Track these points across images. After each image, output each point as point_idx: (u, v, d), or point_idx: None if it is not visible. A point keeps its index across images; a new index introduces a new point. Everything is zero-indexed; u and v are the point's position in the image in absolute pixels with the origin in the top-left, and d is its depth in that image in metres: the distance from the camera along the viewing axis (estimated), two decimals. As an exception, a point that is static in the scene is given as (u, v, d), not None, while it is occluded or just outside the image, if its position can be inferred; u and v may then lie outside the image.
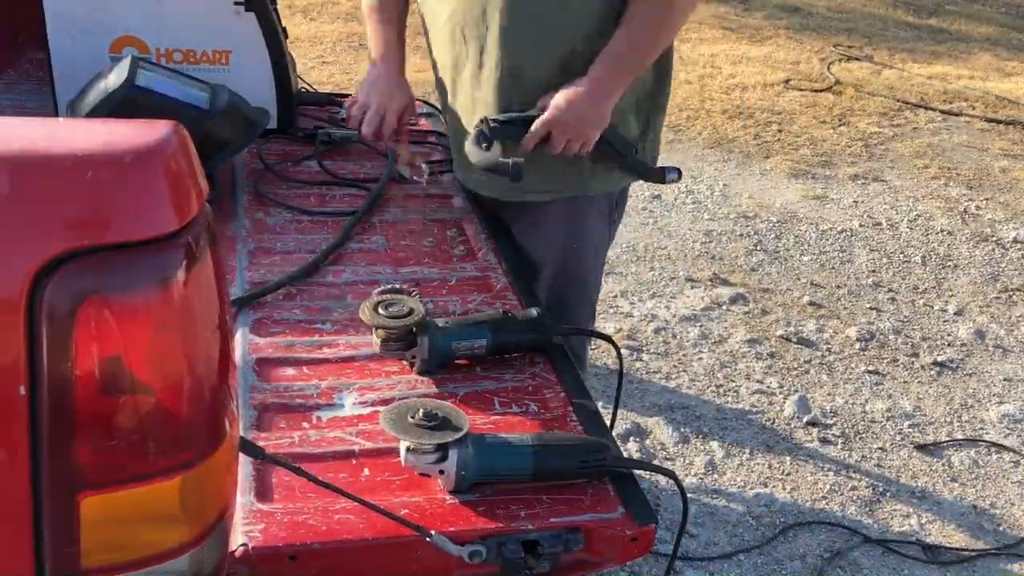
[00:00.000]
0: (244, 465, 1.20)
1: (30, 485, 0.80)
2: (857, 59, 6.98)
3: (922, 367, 3.34)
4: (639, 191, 4.34)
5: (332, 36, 6.32)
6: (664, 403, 3.01)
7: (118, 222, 0.77)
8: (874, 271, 3.99)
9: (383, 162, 2.11)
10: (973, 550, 2.56)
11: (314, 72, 5.50)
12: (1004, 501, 2.75)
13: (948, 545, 2.57)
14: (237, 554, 1.09)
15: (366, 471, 1.24)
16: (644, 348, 3.28)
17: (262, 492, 1.18)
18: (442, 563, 1.15)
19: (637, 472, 1.32)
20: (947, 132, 5.73)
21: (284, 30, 2.15)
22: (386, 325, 1.40)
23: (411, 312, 1.41)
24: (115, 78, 1.79)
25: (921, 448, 2.93)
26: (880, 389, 3.20)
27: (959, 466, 2.88)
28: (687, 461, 2.78)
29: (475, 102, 1.85)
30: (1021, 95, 6.51)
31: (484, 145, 1.72)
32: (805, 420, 2.98)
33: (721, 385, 3.13)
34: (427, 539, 1.12)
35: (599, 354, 3.10)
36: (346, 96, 2.48)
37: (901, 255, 4.15)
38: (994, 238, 4.41)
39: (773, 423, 2.97)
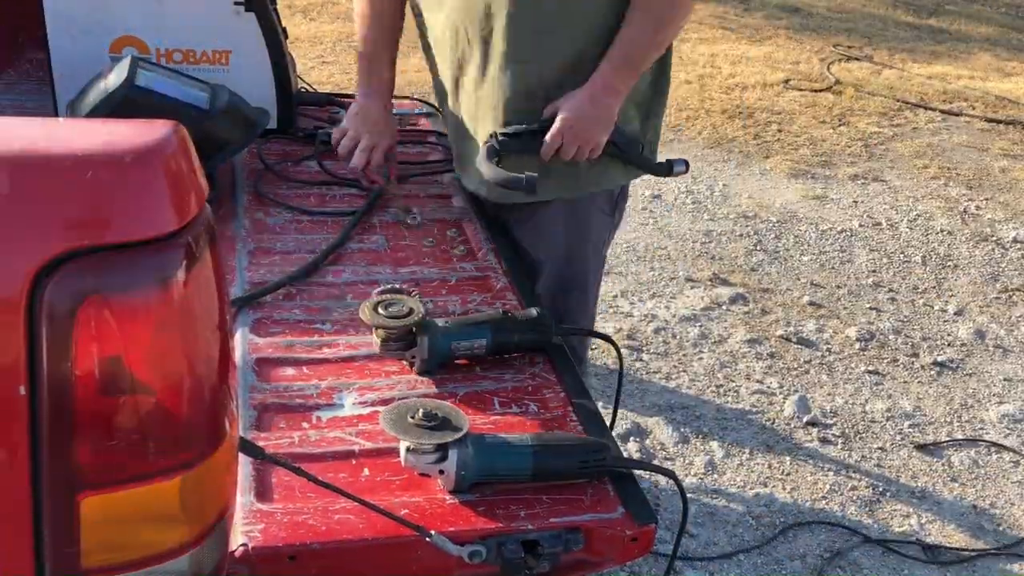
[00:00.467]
0: (244, 465, 1.19)
1: (30, 485, 0.80)
2: (857, 59, 6.98)
3: (922, 367, 3.34)
4: (639, 191, 4.34)
5: (332, 36, 6.32)
6: (664, 403, 3.01)
7: (118, 222, 0.77)
8: (874, 271, 3.99)
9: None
10: (973, 550, 2.56)
11: (314, 72, 5.50)
12: (1004, 501, 2.75)
13: (948, 545, 2.57)
14: (237, 554, 1.09)
15: (366, 471, 1.24)
16: (644, 348, 3.28)
17: (262, 492, 1.18)
18: (442, 563, 1.15)
19: (637, 472, 1.32)
20: (947, 132, 5.73)
21: (284, 30, 2.15)
22: (386, 325, 1.40)
23: (411, 312, 1.41)
24: (115, 78, 1.79)
25: (921, 448, 2.93)
26: (880, 389, 3.20)
27: (959, 466, 2.88)
28: (687, 461, 2.78)
29: (479, 101, 1.85)
30: (1021, 95, 6.51)
31: (495, 160, 1.73)
32: (805, 420, 2.98)
33: (721, 385, 3.13)
34: (427, 539, 1.12)
35: (599, 354, 3.10)
36: (346, 96, 2.48)
37: (901, 255, 4.15)
38: (994, 238, 4.41)
39: (773, 423, 2.97)
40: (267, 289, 1.58)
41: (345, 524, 1.14)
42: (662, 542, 2.44)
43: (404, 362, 1.44)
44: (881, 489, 2.74)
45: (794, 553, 2.50)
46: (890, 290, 3.85)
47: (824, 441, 2.91)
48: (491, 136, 1.76)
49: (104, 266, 0.77)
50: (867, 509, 2.66)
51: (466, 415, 1.23)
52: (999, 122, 5.95)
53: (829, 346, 3.41)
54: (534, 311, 1.51)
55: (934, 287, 3.91)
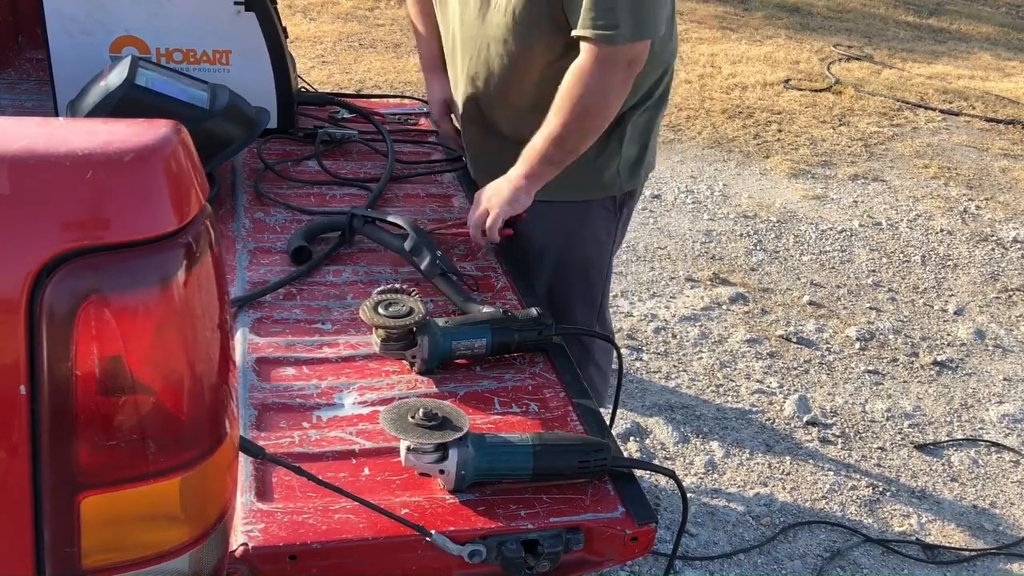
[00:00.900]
0: (244, 465, 1.20)
1: (30, 485, 0.80)
2: (857, 59, 6.98)
3: (922, 367, 3.34)
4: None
5: (332, 36, 6.31)
6: (664, 403, 3.01)
7: (118, 222, 0.77)
8: (874, 271, 3.99)
9: (383, 162, 2.11)
10: (973, 550, 2.56)
11: (314, 72, 5.50)
12: (1004, 501, 2.75)
13: (948, 545, 2.57)
14: (237, 553, 1.09)
15: (366, 471, 1.24)
16: (644, 348, 3.28)
17: (262, 492, 1.18)
18: (442, 563, 1.15)
19: (637, 472, 1.32)
20: (947, 132, 5.73)
21: (284, 30, 2.15)
22: (386, 324, 1.40)
23: (411, 312, 1.41)
24: (115, 78, 1.79)
25: (921, 448, 2.93)
26: (880, 389, 3.20)
27: (959, 466, 2.88)
28: (687, 461, 2.78)
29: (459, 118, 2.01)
30: (1021, 95, 6.51)
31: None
32: (805, 420, 2.98)
33: (721, 385, 3.13)
34: (427, 539, 1.12)
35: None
36: (347, 96, 2.48)
37: (901, 255, 4.15)
38: (994, 238, 4.41)
39: (773, 423, 2.97)
40: (267, 289, 1.58)
41: (345, 524, 1.14)
42: (662, 542, 2.44)
43: (404, 362, 1.44)
44: (881, 489, 2.74)
45: (794, 553, 2.50)
46: (890, 290, 3.85)
47: (824, 441, 2.91)
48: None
49: (104, 266, 0.77)
50: (867, 509, 2.66)
51: (466, 415, 1.23)
52: (999, 122, 5.95)
53: (829, 346, 3.41)
54: (534, 311, 1.51)
55: (934, 287, 3.91)
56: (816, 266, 3.98)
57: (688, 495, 1.34)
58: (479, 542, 1.15)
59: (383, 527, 1.14)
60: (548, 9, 1.71)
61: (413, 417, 1.20)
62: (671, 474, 1.31)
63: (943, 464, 2.88)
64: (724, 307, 3.59)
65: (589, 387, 1.48)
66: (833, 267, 3.99)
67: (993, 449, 2.96)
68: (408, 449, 1.20)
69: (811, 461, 2.83)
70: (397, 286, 1.54)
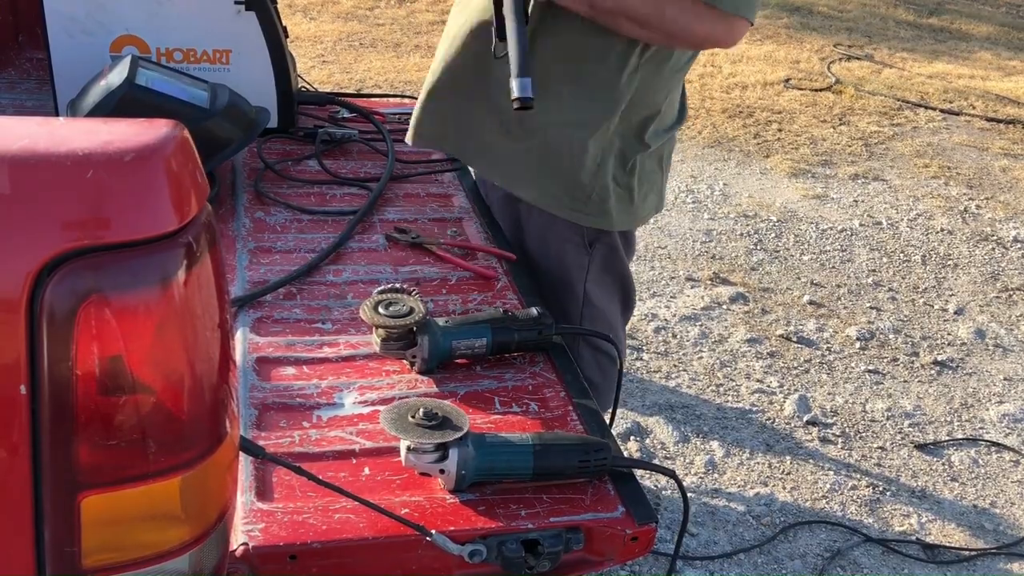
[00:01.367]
0: (244, 464, 1.20)
1: (31, 485, 0.80)
2: (857, 58, 6.98)
3: (922, 366, 3.34)
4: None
5: (332, 35, 6.31)
6: (664, 402, 3.01)
7: (118, 221, 0.77)
8: (874, 270, 3.99)
9: (383, 161, 2.11)
10: (973, 549, 2.56)
11: (314, 71, 5.50)
12: (1004, 500, 2.75)
13: (948, 544, 2.57)
14: (238, 553, 1.09)
15: (366, 470, 1.24)
16: (644, 347, 3.28)
17: (262, 491, 1.18)
18: (442, 562, 1.15)
19: (637, 472, 1.32)
20: (947, 131, 5.73)
21: (285, 29, 2.15)
22: (386, 324, 1.40)
23: (411, 311, 1.41)
24: (115, 77, 1.79)
25: (921, 447, 2.93)
26: (880, 388, 3.20)
27: (959, 465, 2.88)
28: (687, 460, 2.78)
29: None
30: (1021, 94, 6.51)
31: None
32: (805, 419, 2.98)
33: (721, 384, 3.13)
34: (427, 538, 1.12)
35: (599, 353, 3.10)
36: (347, 95, 2.48)
37: (901, 254, 4.15)
38: (994, 237, 4.41)
39: (773, 422, 2.97)
40: (267, 288, 1.58)
41: (346, 523, 1.14)
42: (662, 541, 2.44)
43: (404, 361, 1.45)
44: (881, 488, 2.74)
45: (794, 552, 2.50)
46: (890, 289, 3.85)
47: (824, 440, 2.91)
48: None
49: (104, 266, 0.77)
50: (867, 508, 2.66)
51: (467, 414, 1.23)
52: (999, 121, 5.95)
53: (829, 345, 3.41)
54: (534, 310, 1.51)
55: (934, 286, 3.91)
56: (816, 266, 3.98)
57: (688, 495, 1.34)
58: (479, 542, 1.15)
59: (383, 527, 1.14)
60: None
61: (413, 417, 1.20)
62: (671, 474, 1.31)
63: (943, 464, 2.88)
64: (724, 307, 3.59)
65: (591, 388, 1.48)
66: (833, 267, 3.99)
67: (993, 449, 2.96)
68: (408, 449, 1.20)
69: (811, 461, 2.83)
70: (397, 286, 1.54)
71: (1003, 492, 2.79)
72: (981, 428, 3.05)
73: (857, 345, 3.42)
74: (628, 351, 3.22)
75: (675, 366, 3.20)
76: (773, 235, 4.22)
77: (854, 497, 2.70)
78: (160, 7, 2.03)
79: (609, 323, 1.97)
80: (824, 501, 2.68)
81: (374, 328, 1.44)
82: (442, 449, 1.19)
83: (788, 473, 2.77)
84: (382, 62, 5.90)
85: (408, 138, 1.95)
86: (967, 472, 2.85)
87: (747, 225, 4.29)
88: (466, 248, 1.81)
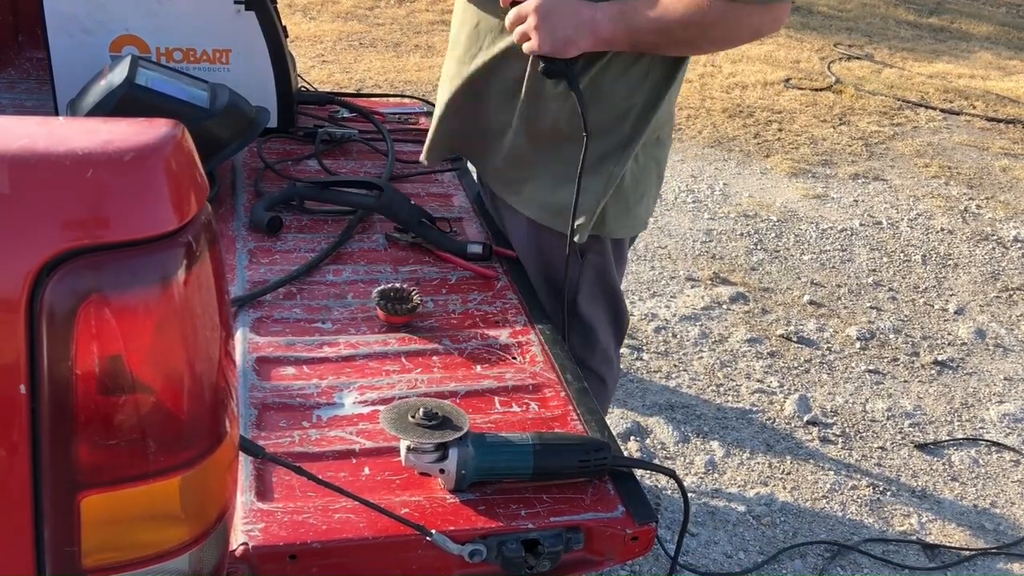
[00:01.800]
0: (244, 464, 1.20)
1: (30, 485, 0.80)
2: (858, 58, 6.98)
3: (922, 366, 3.34)
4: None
5: (332, 35, 6.32)
6: (664, 402, 3.01)
7: (118, 221, 0.77)
8: (874, 270, 3.99)
9: (383, 161, 2.11)
10: (973, 549, 2.56)
11: (314, 71, 5.50)
12: (1004, 500, 2.75)
13: (948, 544, 2.57)
14: (238, 553, 1.09)
15: (366, 470, 1.24)
16: (644, 347, 3.28)
17: (262, 491, 1.18)
18: (442, 562, 1.15)
19: (637, 471, 1.32)
20: (947, 131, 5.73)
21: (284, 29, 2.15)
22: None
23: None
24: (115, 77, 1.79)
25: (921, 447, 2.93)
26: (880, 388, 3.20)
27: (959, 465, 2.88)
28: (687, 460, 2.78)
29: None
30: (1022, 94, 6.51)
31: None
32: (805, 419, 2.98)
33: (721, 384, 3.13)
34: (427, 538, 1.12)
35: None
36: (347, 95, 2.48)
37: (901, 254, 4.15)
38: (994, 237, 4.41)
39: (773, 422, 2.97)
40: (267, 288, 1.58)
41: (346, 523, 1.14)
42: (662, 541, 2.44)
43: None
44: (881, 488, 2.74)
45: (794, 552, 2.50)
46: (890, 289, 3.85)
47: (824, 440, 2.91)
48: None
49: (104, 265, 0.77)
50: (867, 508, 2.66)
51: (466, 414, 1.23)
52: (1000, 121, 5.95)
53: (829, 345, 3.41)
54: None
55: (934, 286, 3.91)
56: (816, 265, 3.98)
57: (689, 495, 1.34)
58: (479, 541, 1.15)
59: (383, 527, 1.14)
60: None
61: (413, 416, 1.20)
62: (671, 474, 1.31)
63: (943, 464, 2.88)
64: (724, 306, 3.59)
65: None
66: (833, 266, 3.99)
67: (994, 449, 2.96)
68: (408, 449, 1.20)
69: (811, 461, 2.83)
70: (397, 285, 1.54)
71: (1003, 492, 2.79)
72: (981, 428, 3.05)
73: (857, 345, 3.42)
74: (628, 351, 3.22)
75: (675, 366, 3.20)
76: (773, 235, 4.22)
77: (854, 497, 2.70)
78: (160, 7, 2.03)
79: (598, 342, 1.92)
80: (824, 501, 2.67)
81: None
82: (442, 449, 1.19)
83: (788, 473, 2.77)
84: (382, 62, 5.90)
85: (423, 157, 1.94)
86: (967, 472, 2.85)
87: (747, 225, 4.29)
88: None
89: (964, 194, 4.85)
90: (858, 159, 5.16)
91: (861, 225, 4.39)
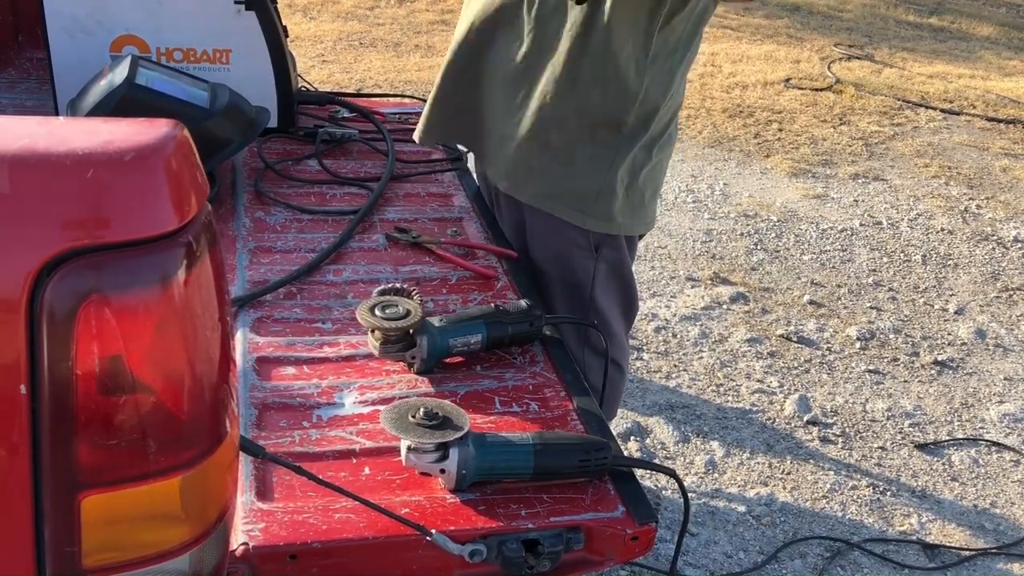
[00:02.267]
0: (245, 464, 1.20)
1: (31, 485, 0.80)
2: (858, 58, 6.98)
3: (922, 366, 3.34)
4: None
5: (332, 35, 6.31)
6: (664, 402, 3.01)
7: (118, 221, 0.77)
8: (874, 270, 3.99)
9: (383, 161, 2.11)
10: (973, 549, 2.56)
11: (314, 71, 5.50)
12: (1004, 500, 2.75)
13: (948, 544, 2.57)
14: (238, 553, 1.09)
15: (367, 470, 1.24)
16: (644, 347, 3.28)
17: (262, 491, 1.18)
18: (443, 562, 1.15)
19: (638, 471, 1.32)
20: (948, 131, 5.73)
21: (285, 29, 2.15)
22: (384, 327, 1.40)
23: (408, 313, 1.41)
24: (115, 77, 1.79)
25: (921, 447, 2.93)
26: (880, 388, 3.20)
27: (959, 465, 2.88)
28: (687, 460, 2.78)
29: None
30: (1022, 94, 6.51)
31: None
32: (805, 419, 2.98)
33: (721, 384, 3.13)
34: (427, 538, 1.12)
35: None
36: (347, 95, 2.48)
37: (901, 254, 4.15)
38: (995, 237, 4.41)
39: (773, 422, 2.97)
40: (267, 288, 1.58)
41: (346, 523, 1.14)
42: (662, 541, 2.44)
43: (403, 363, 1.45)
44: (881, 488, 2.74)
45: (795, 552, 2.50)
46: (890, 289, 3.85)
47: (824, 440, 2.91)
48: None
49: (104, 265, 0.77)
50: (867, 508, 2.66)
51: (467, 414, 1.23)
52: (1000, 121, 5.95)
53: (829, 345, 3.41)
54: (523, 302, 1.52)
55: (934, 286, 3.91)
56: (817, 265, 3.98)
57: (689, 494, 1.34)
58: (479, 541, 1.15)
59: (383, 526, 1.14)
60: None
61: (414, 416, 1.20)
62: (672, 473, 1.31)
63: (944, 464, 2.88)
64: (724, 306, 3.59)
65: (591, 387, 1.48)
66: (834, 266, 3.99)
67: (994, 449, 2.96)
68: (409, 448, 1.20)
69: (811, 461, 2.83)
70: (397, 285, 1.54)
71: (1003, 492, 2.79)
72: (981, 428, 3.05)
73: (857, 345, 3.42)
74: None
75: (675, 366, 3.20)
76: (773, 235, 4.22)
77: (854, 497, 2.70)
78: (160, 7, 2.03)
79: (611, 330, 1.96)
80: (824, 501, 2.67)
81: (371, 331, 1.44)
82: (443, 449, 1.19)
83: (788, 473, 2.77)
84: (382, 62, 5.90)
85: (416, 135, 1.95)
86: (967, 472, 2.85)
87: (747, 225, 4.28)
88: (466, 247, 1.81)
89: (964, 194, 4.85)
90: (858, 159, 5.16)
91: (861, 225, 4.39)
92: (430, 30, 6.58)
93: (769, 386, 3.14)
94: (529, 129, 1.77)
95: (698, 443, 2.85)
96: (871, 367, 3.30)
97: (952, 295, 3.85)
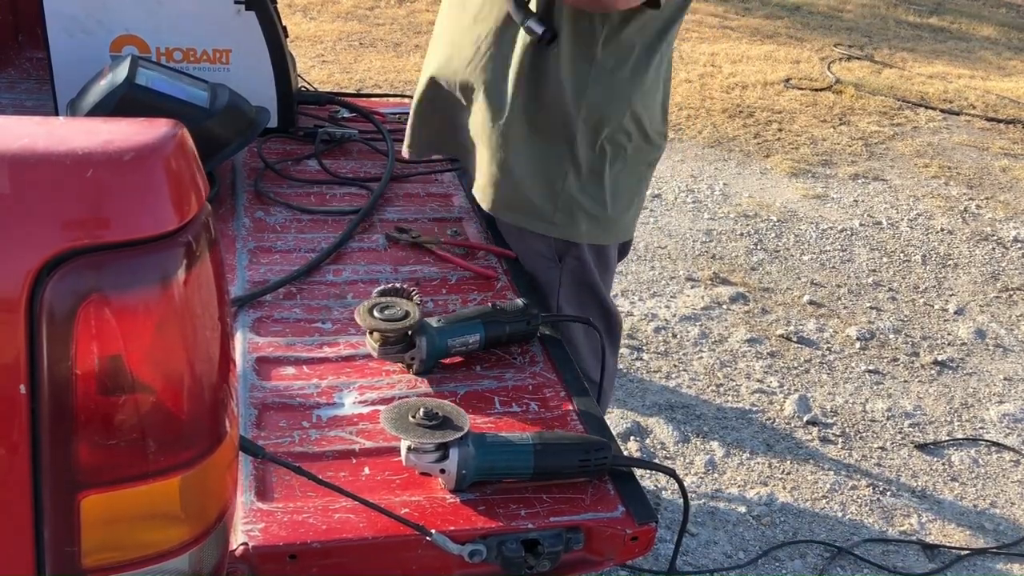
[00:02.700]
0: (244, 464, 1.20)
1: (30, 484, 0.80)
2: (857, 58, 6.98)
3: (922, 366, 3.34)
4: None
5: (332, 35, 6.31)
6: (664, 402, 3.01)
7: (118, 221, 0.77)
8: (874, 270, 3.99)
9: (383, 161, 2.11)
10: (973, 549, 2.56)
11: (314, 71, 5.50)
12: (1004, 500, 2.75)
13: (948, 544, 2.57)
14: (238, 553, 1.09)
15: (366, 470, 1.24)
16: (644, 347, 3.28)
17: (262, 491, 1.18)
18: (442, 562, 1.15)
19: (637, 471, 1.32)
20: (947, 131, 5.73)
21: (284, 29, 2.15)
22: (383, 328, 1.40)
23: (407, 315, 1.41)
24: (115, 77, 1.79)
25: (921, 447, 2.93)
26: (880, 388, 3.20)
27: (959, 465, 2.88)
28: (687, 460, 2.78)
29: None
30: (1022, 94, 6.51)
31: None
32: (805, 419, 2.98)
33: (721, 384, 3.13)
34: (427, 538, 1.12)
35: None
36: (347, 95, 2.48)
37: (901, 254, 4.15)
38: (994, 237, 4.41)
39: (773, 422, 2.97)
40: (267, 288, 1.58)
41: (346, 523, 1.14)
42: (662, 541, 2.44)
43: (402, 364, 1.45)
44: (881, 488, 2.74)
45: (794, 552, 2.50)
46: (890, 289, 3.85)
47: (824, 440, 2.91)
48: None
49: (104, 265, 0.77)
50: (867, 508, 2.66)
51: (467, 414, 1.23)
52: (1000, 121, 5.95)
53: (829, 345, 3.41)
54: (520, 301, 1.52)
55: (934, 286, 3.91)
56: (816, 265, 3.98)
57: (688, 494, 1.34)
58: (479, 541, 1.15)
59: (383, 527, 1.14)
60: None
61: (414, 416, 1.20)
62: (672, 473, 1.31)
63: (943, 464, 2.88)
64: (724, 307, 3.59)
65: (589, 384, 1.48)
66: (833, 266, 3.99)
67: (993, 449, 2.96)
68: (409, 449, 1.20)
69: (811, 461, 2.83)
70: (396, 286, 1.54)
71: (1003, 492, 2.79)
72: (981, 428, 3.05)
73: (857, 345, 3.42)
74: (628, 351, 3.22)
75: (675, 366, 3.20)
76: (773, 235, 4.22)
77: (854, 497, 2.70)
78: (160, 7, 2.03)
79: (587, 345, 1.89)
80: (824, 501, 2.67)
81: (369, 332, 1.44)
82: (443, 449, 1.19)
83: (788, 473, 2.77)
84: (382, 62, 5.91)
85: (404, 150, 1.95)
86: (967, 472, 2.85)
87: (747, 225, 4.29)
88: (466, 247, 1.81)
89: (964, 194, 4.85)
90: (858, 159, 5.16)
91: (861, 225, 4.39)
92: (430, 30, 6.56)
93: (769, 386, 3.14)
94: (490, 141, 1.77)
95: (698, 443, 2.85)
96: (871, 367, 3.30)
97: (952, 295, 3.85)
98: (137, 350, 0.80)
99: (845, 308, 3.67)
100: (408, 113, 2.41)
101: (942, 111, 6.02)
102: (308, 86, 2.47)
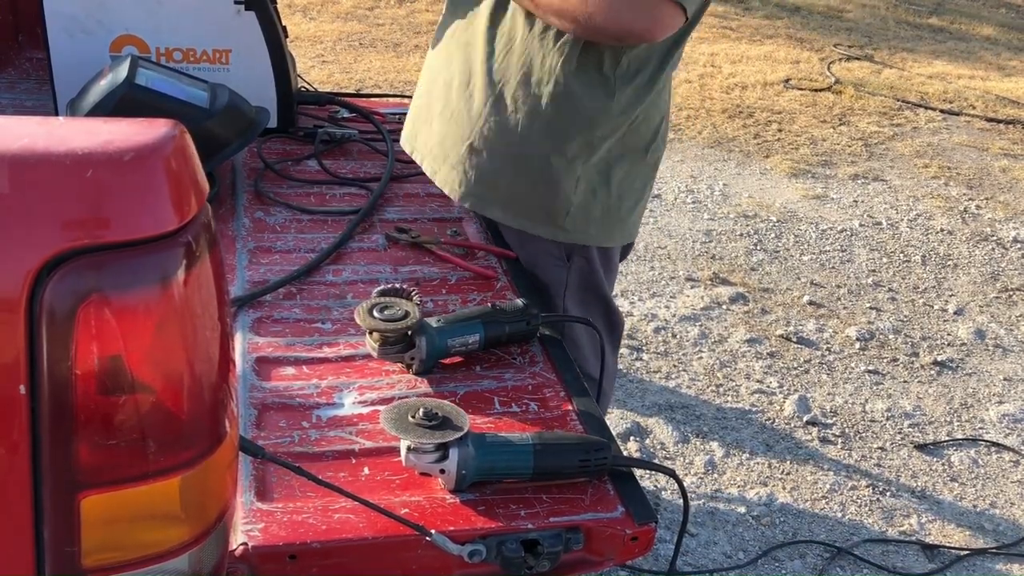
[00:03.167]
0: (244, 464, 1.20)
1: (30, 484, 0.80)
2: (857, 58, 6.98)
3: (922, 367, 3.34)
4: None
5: (332, 35, 6.31)
6: (664, 402, 3.01)
7: (118, 221, 0.77)
8: (874, 271, 3.99)
9: (383, 161, 2.11)
10: (973, 549, 2.56)
11: (314, 71, 5.50)
12: (1004, 500, 2.75)
13: (948, 544, 2.57)
14: (237, 553, 1.09)
15: (366, 470, 1.24)
16: (644, 347, 3.28)
17: (262, 491, 1.18)
18: (442, 562, 1.15)
19: (637, 472, 1.32)
20: (947, 132, 5.73)
21: (284, 29, 2.15)
22: (383, 329, 1.40)
23: (407, 315, 1.41)
24: (115, 77, 1.79)
25: (921, 448, 2.93)
26: (880, 389, 3.20)
27: (959, 466, 2.88)
28: (687, 460, 2.78)
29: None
30: (1021, 95, 6.51)
31: None
32: (805, 420, 2.98)
33: (721, 385, 3.13)
34: (427, 538, 1.12)
35: (599, 353, 3.10)
36: (347, 95, 2.48)
37: (901, 254, 4.15)
38: (994, 238, 4.41)
39: (773, 423, 2.97)
40: (267, 288, 1.58)
41: (345, 523, 1.14)
42: (661, 541, 2.44)
43: (402, 364, 1.45)
44: (881, 488, 2.74)
45: (794, 553, 2.50)
46: (890, 290, 3.85)
47: (824, 441, 2.91)
48: None
49: (104, 265, 0.77)
50: (867, 508, 2.66)
51: (467, 414, 1.23)
52: (999, 122, 5.95)
53: (829, 346, 3.41)
54: (520, 302, 1.52)
55: (934, 287, 3.91)
56: (816, 266, 3.98)
57: (688, 495, 1.34)
58: (479, 542, 1.15)
59: (383, 527, 1.14)
60: None
61: (413, 417, 1.20)
62: (671, 473, 1.31)
63: (943, 464, 2.88)
64: (724, 307, 3.59)
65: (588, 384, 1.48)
66: (833, 267, 3.99)
67: (993, 449, 2.96)
68: (408, 449, 1.20)
69: (811, 461, 2.83)
70: (396, 286, 1.54)
71: (1003, 492, 2.79)
72: (981, 428, 3.05)
73: (857, 345, 3.42)
74: (628, 351, 3.22)
75: (675, 366, 3.20)
76: (773, 235, 4.22)
77: (854, 497, 2.70)
78: (160, 7, 2.03)
79: (589, 345, 1.89)
80: (824, 501, 2.67)
81: (369, 332, 1.44)
82: (442, 449, 1.19)
83: (788, 473, 2.77)
84: (382, 62, 5.91)
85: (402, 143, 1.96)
86: (967, 472, 2.85)
87: (747, 225, 4.29)
88: (466, 247, 1.81)
89: (964, 194, 4.85)
90: (858, 159, 5.16)
91: (861, 225, 4.39)
92: (430, 30, 6.58)
93: (769, 386, 3.14)
94: (498, 146, 1.76)
95: (698, 443, 2.85)
96: (871, 367, 3.30)
97: (952, 295, 3.85)
98: (137, 350, 0.80)
99: (845, 308, 3.67)
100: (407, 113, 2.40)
101: (942, 111, 6.02)
102: (308, 86, 2.47)
